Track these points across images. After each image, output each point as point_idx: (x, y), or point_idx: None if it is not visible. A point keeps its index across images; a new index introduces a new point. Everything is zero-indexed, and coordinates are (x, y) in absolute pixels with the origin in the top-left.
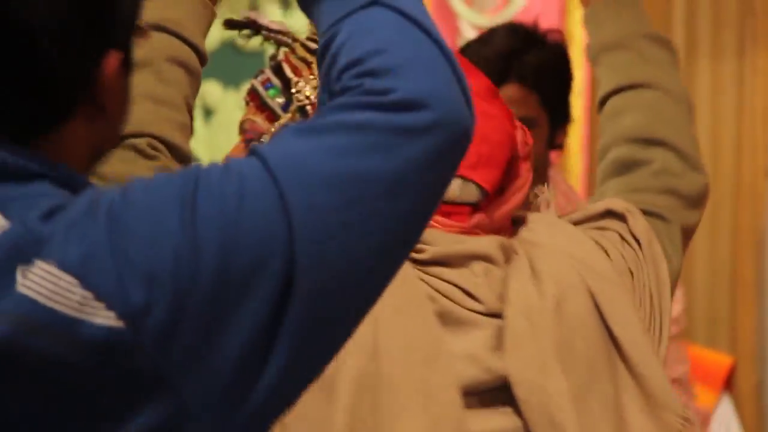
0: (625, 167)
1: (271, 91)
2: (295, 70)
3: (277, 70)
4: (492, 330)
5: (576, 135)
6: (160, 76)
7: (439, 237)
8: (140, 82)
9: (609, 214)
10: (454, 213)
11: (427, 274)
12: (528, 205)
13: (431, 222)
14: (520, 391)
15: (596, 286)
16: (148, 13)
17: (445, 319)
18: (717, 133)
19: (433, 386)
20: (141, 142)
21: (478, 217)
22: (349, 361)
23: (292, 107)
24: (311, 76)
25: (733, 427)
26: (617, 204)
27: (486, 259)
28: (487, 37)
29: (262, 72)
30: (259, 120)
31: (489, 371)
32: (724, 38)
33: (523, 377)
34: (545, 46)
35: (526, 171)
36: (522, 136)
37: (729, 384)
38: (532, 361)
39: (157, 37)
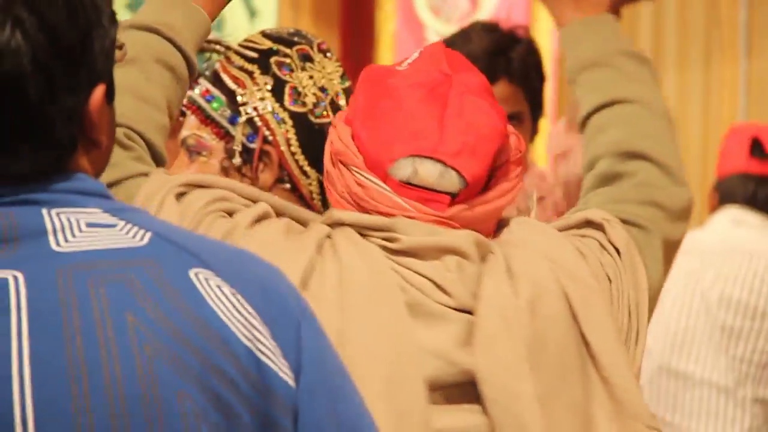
0: (608, 180)
1: (214, 104)
2: (237, 81)
3: (216, 81)
4: (462, 325)
5: (542, 142)
6: (147, 75)
7: (413, 227)
8: (126, 76)
9: (588, 223)
10: (432, 200)
11: (399, 264)
12: (516, 212)
13: (407, 208)
14: (487, 390)
15: (572, 289)
16: (147, 14)
17: (415, 311)
18: (683, 143)
19: (398, 378)
20: (119, 132)
21: (457, 209)
22: None
23: (241, 120)
24: (255, 88)
25: None
26: (596, 214)
27: (459, 253)
28: (466, 36)
29: (196, 82)
30: (206, 135)
31: (455, 366)
32: (691, 49)
33: (492, 376)
34: (522, 42)
35: (515, 176)
36: (516, 142)
37: None
38: (501, 360)
39: (149, 37)
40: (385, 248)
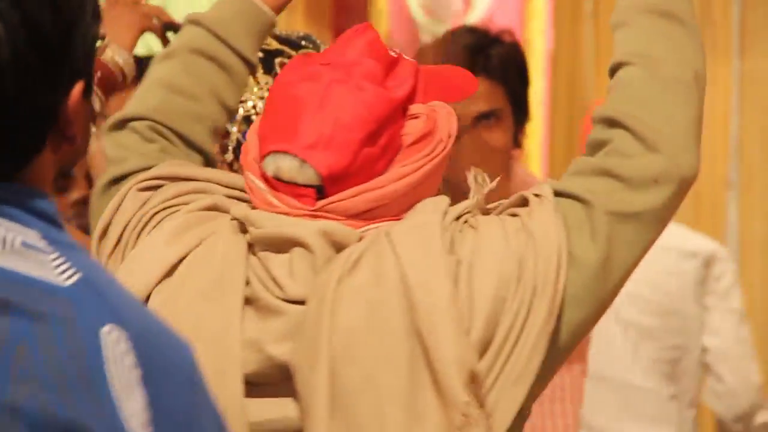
0: (593, 148)
1: None
2: None
3: None
4: (292, 318)
5: (536, 141)
6: (184, 67)
7: (267, 219)
8: (161, 69)
9: (522, 201)
10: (300, 195)
11: (256, 257)
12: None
13: (278, 204)
14: (294, 382)
15: (414, 279)
16: (205, 11)
17: (254, 304)
18: None
19: (217, 371)
20: (140, 126)
21: (327, 201)
22: None
23: (239, 116)
24: (256, 86)
25: None
26: (536, 189)
27: (303, 245)
28: (450, 36)
29: None
30: None
31: (272, 360)
32: None
33: (297, 368)
34: (505, 43)
35: (418, 160)
36: (421, 125)
37: None
38: (306, 352)
39: (192, 30)
40: (248, 242)
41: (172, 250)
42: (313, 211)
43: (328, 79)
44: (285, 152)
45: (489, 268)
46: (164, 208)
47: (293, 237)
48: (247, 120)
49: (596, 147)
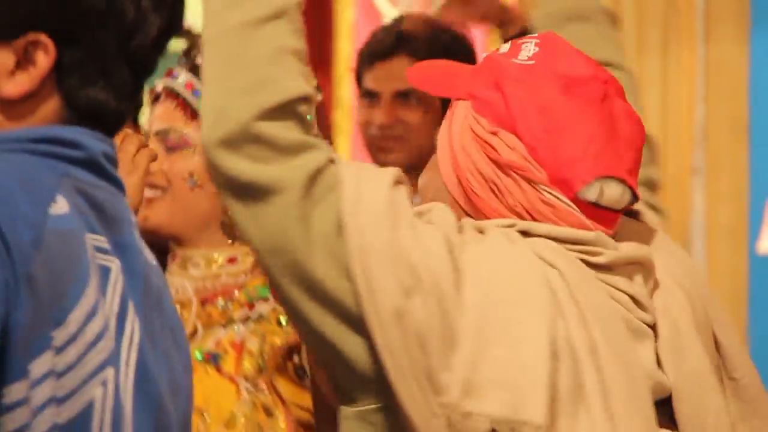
0: None
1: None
2: None
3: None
4: (654, 341)
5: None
6: (294, 26)
7: (609, 242)
8: (280, 34)
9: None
10: (607, 219)
11: (600, 278)
12: None
13: (591, 228)
14: (680, 405)
15: (698, 294)
16: None
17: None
18: None
19: (635, 397)
20: (304, 109)
21: (617, 225)
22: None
23: None
24: None
25: None
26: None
27: (646, 266)
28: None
29: (171, 74)
30: (192, 130)
31: (660, 384)
32: (649, 35)
33: (685, 391)
34: (444, 30)
35: None
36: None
37: None
38: (692, 374)
39: None
40: (584, 261)
41: (534, 269)
42: (610, 234)
43: (609, 93)
44: (613, 177)
45: None
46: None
47: (641, 259)
48: None
49: None
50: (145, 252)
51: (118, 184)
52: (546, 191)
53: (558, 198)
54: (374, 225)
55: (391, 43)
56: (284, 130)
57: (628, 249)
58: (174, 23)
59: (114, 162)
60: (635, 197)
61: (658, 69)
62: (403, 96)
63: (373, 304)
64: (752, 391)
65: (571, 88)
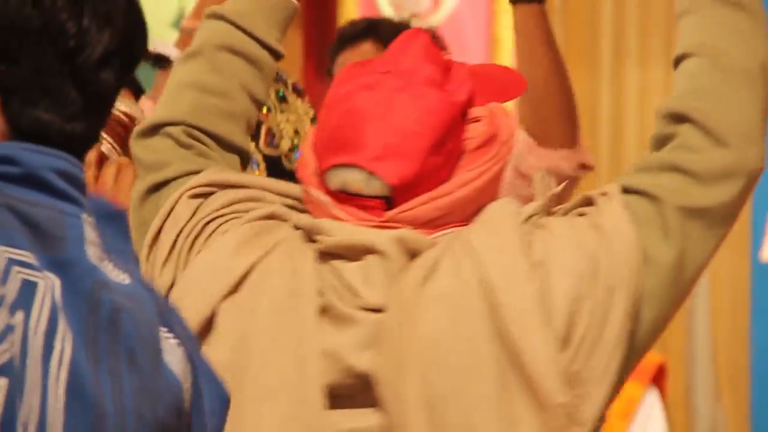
0: (658, 144)
1: None
2: None
3: None
4: (369, 326)
5: None
6: (212, 65)
7: (338, 228)
8: (188, 70)
9: (586, 200)
10: (367, 207)
11: (327, 267)
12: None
13: (345, 218)
14: (380, 391)
15: (496, 282)
16: (224, 4)
17: (329, 314)
18: (645, 139)
19: (295, 383)
20: (176, 131)
21: (396, 211)
22: (214, 353)
23: None
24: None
25: (654, 418)
26: (604, 188)
27: (377, 252)
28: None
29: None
30: None
31: (351, 370)
32: (652, 45)
33: (383, 377)
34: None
35: (482, 164)
36: (482, 128)
37: (658, 382)
38: (392, 361)
39: (215, 25)
40: (316, 250)
41: (236, 262)
42: (382, 221)
43: (388, 87)
44: (351, 165)
45: (564, 268)
46: (217, 217)
47: (368, 244)
48: None
49: (662, 142)
50: (106, 271)
51: (75, 202)
52: (308, 189)
53: (310, 193)
54: None
55: (360, 29)
56: (146, 148)
57: (358, 237)
58: (128, 44)
59: (74, 180)
60: (388, 183)
61: (661, 78)
62: None
63: None
64: (541, 382)
65: (352, 82)
